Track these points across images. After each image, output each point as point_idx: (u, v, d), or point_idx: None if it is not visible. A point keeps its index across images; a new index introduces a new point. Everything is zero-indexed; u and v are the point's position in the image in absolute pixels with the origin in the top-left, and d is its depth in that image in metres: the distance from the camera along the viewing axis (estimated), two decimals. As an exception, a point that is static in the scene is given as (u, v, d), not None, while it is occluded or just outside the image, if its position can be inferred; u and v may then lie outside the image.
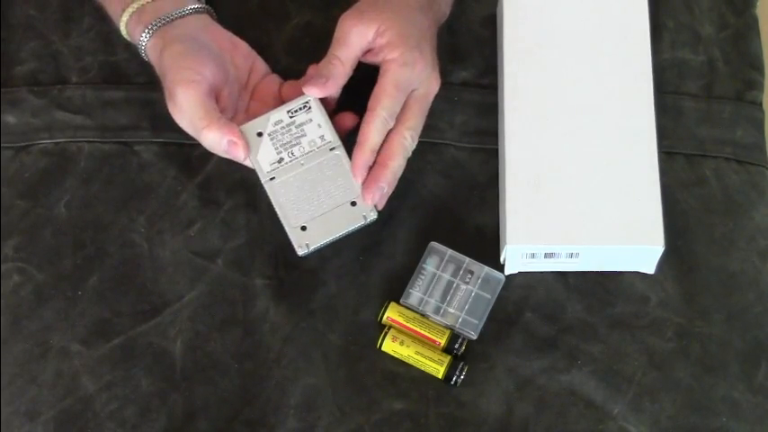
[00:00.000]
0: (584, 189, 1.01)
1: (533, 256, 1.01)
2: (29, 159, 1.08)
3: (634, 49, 1.06)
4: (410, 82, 1.01)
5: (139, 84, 1.11)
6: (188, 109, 0.99)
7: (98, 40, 1.12)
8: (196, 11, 1.04)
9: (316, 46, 1.09)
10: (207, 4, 1.07)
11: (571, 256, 1.01)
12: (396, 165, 1.00)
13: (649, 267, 1.04)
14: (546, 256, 1.01)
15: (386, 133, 1.00)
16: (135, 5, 1.03)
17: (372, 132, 0.99)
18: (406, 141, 1.00)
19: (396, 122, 1.00)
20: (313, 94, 1.01)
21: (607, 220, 1.00)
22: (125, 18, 1.04)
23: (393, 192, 1.01)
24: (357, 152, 0.99)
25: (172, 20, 1.02)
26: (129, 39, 1.06)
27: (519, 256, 1.01)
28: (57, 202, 1.07)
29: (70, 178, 1.08)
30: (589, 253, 1.01)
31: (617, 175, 1.02)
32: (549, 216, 1.01)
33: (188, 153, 1.08)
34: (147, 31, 1.02)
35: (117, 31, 1.08)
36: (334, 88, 1.01)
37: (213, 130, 0.98)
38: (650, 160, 1.02)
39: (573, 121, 1.04)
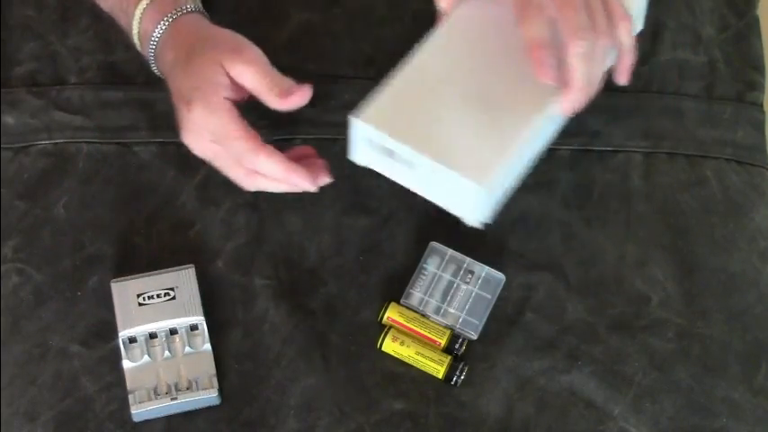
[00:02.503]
0: (455, 116, 0.98)
1: (371, 143, 0.98)
2: (28, 160, 1.08)
3: None
4: None
5: (138, 84, 1.11)
6: (253, 76, 0.98)
7: (96, 41, 1.12)
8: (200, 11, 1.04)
9: (315, 45, 1.09)
10: (207, 3, 1.07)
11: (409, 165, 0.97)
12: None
13: (473, 216, 0.99)
14: (384, 151, 0.98)
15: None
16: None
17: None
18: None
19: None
20: None
21: (451, 144, 0.97)
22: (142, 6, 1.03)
23: (393, 192, 1.01)
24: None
25: (188, 12, 1.02)
26: (136, 31, 1.05)
27: (361, 138, 0.98)
28: (56, 203, 1.06)
29: (69, 179, 1.07)
30: (423, 169, 0.97)
31: (489, 119, 0.98)
32: (406, 115, 0.98)
33: (187, 153, 1.08)
34: (165, 19, 1.02)
35: (115, 31, 1.08)
36: None
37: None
38: (529, 120, 0.98)
39: (485, 69, 1.01)
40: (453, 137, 0.97)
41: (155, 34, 1.01)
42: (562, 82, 0.95)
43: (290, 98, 0.97)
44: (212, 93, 0.97)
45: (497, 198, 1.00)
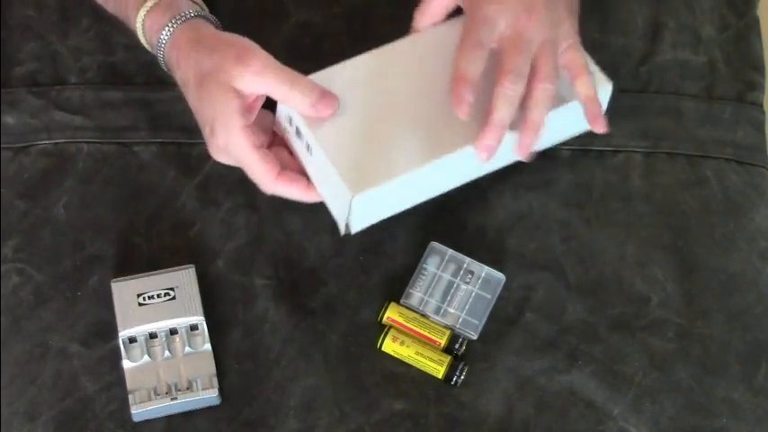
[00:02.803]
0: (373, 122, 0.99)
1: (289, 117, 1.00)
2: (28, 160, 1.08)
3: None
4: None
5: (138, 84, 1.11)
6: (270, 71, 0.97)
7: (97, 41, 1.12)
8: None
9: (314, 45, 1.09)
10: (206, 2, 1.07)
11: (308, 150, 0.99)
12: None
13: (342, 220, 1.00)
14: (295, 128, 0.99)
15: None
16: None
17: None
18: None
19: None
20: None
21: (350, 145, 0.98)
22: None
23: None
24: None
25: (187, 18, 1.01)
26: (143, 40, 1.05)
27: (283, 108, 1.00)
28: (56, 203, 1.06)
29: (69, 179, 1.07)
30: (317, 158, 0.98)
31: (404, 138, 0.99)
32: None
33: (187, 153, 1.08)
34: (167, 29, 1.01)
35: (115, 31, 1.08)
36: None
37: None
38: (440, 152, 0.99)
39: (426, 90, 1.01)
40: (358, 139, 0.98)
41: (160, 42, 1.01)
42: (477, 120, 0.97)
43: (322, 110, 0.98)
44: (229, 122, 0.96)
45: (370, 213, 1.01)
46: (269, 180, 0.98)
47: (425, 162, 0.98)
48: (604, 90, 1.03)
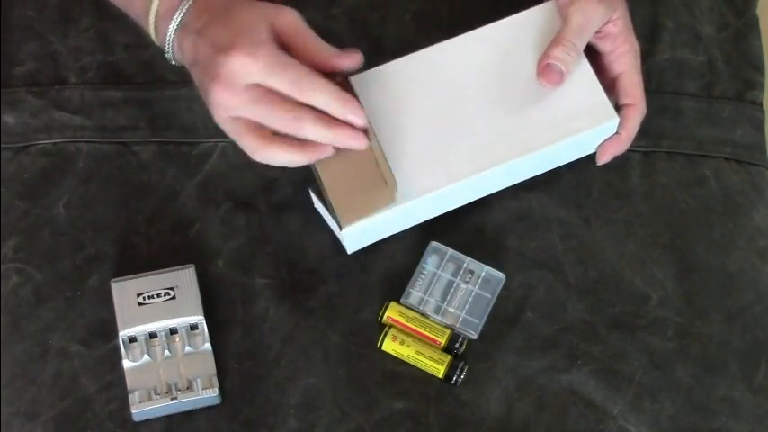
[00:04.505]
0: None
1: None
2: (28, 160, 1.08)
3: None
4: None
5: (138, 84, 1.11)
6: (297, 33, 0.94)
7: (96, 40, 1.12)
8: None
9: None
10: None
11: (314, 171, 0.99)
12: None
13: (342, 242, 1.02)
14: None
15: None
16: None
17: None
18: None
19: None
20: None
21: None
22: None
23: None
24: None
25: None
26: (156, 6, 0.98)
27: None
28: (56, 203, 1.06)
29: (69, 178, 1.07)
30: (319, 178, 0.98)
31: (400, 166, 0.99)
32: None
33: (187, 153, 1.08)
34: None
35: (115, 31, 1.07)
36: None
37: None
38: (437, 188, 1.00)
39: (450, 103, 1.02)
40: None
41: (181, 6, 0.96)
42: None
43: (344, 60, 0.95)
44: (256, 33, 0.92)
45: (364, 239, 1.02)
46: (306, 72, 0.92)
47: (417, 197, 0.99)
48: (611, 125, 1.04)
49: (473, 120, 1.01)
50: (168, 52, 0.98)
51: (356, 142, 0.95)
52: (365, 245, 1.03)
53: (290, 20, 0.94)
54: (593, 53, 1.03)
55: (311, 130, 0.93)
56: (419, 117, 1.01)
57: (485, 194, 1.05)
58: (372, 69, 1.01)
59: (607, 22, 1.01)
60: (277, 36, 0.93)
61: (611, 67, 1.04)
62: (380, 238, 1.03)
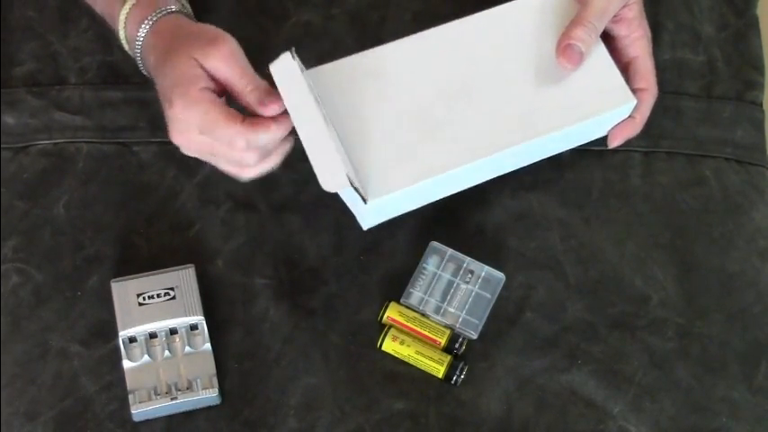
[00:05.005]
0: (400, 120, 1.00)
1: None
2: (27, 160, 1.08)
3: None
4: None
5: (138, 84, 1.11)
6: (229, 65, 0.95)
7: (96, 41, 1.12)
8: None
9: (314, 45, 1.09)
10: (206, 3, 1.07)
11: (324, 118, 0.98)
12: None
13: (361, 219, 1.01)
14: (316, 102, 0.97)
15: None
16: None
17: None
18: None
19: None
20: None
21: (370, 145, 0.98)
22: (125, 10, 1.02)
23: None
24: None
25: (168, 13, 1.00)
26: (123, 36, 1.03)
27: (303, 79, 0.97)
28: (55, 203, 1.06)
29: (69, 179, 1.07)
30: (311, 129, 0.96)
31: (426, 140, 0.99)
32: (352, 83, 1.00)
33: (187, 153, 1.08)
34: (147, 21, 0.99)
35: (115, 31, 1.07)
36: None
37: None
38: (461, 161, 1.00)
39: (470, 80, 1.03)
40: (377, 140, 0.98)
41: (138, 36, 0.99)
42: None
43: (269, 107, 0.94)
44: (189, 85, 0.93)
45: (387, 213, 1.01)
46: (236, 131, 0.93)
47: (443, 171, 0.99)
48: (627, 108, 1.04)
49: (490, 99, 1.01)
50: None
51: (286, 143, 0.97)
52: (382, 220, 1.02)
53: (223, 55, 0.94)
54: (606, 38, 1.04)
55: (254, 171, 0.97)
56: (437, 94, 1.01)
57: (500, 173, 1.05)
58: (401, 39, 1.02)
59: (623, 6, 1.02)
60: (212, 75, 0.95)
61: (626, 51, 1.05)
62: (399, 213, 1.03)
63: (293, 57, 0.94)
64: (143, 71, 1.03)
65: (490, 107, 1.01)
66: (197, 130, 0.94)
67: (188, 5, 1.04)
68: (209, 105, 0.93)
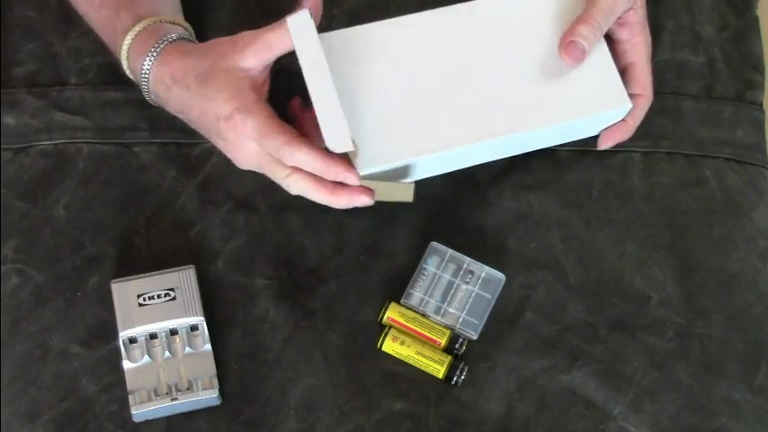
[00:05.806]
0: (410, 92, 1.01)
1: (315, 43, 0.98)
2: (28, 160, 1.08)
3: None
4: None
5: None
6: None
7: (96, 42, 1.12)
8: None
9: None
10: (206, 3, 1.07)
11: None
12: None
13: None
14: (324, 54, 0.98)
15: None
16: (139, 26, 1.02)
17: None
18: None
19: None
20: None
21: (375, 113, 0.99)
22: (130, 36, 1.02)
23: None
24: None
25: (170, 42, 1.01)
26: (126, 66, 1.04)
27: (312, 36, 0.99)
28: (56, 204, 1.06)
29: (69, 179, 1.07)
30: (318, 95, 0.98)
31: (432, 114, 1.00)
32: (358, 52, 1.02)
33: (187, 153, 1.08)
34: (150, 54, 1.00)
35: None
36: None
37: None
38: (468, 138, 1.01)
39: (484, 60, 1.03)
40: (372, 113, 0.99)
41: (144, 69, 1.00)
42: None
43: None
44: (243, 96, 0.96)
45: (378, 177, 1.00)
46: (285, 141, 0.95)
47: (447, 145, 1.00)
48: (622, 111, 1.04)
49: (489, 85, 1.01)
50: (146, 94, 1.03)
51: (360, 202, 0.98)
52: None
53: (252, 65, 0.97)
54: (606, 40, 1.04)
55: (306, 185, 0.98)
56: (439, 73, 1.02)
57: (487, 160, 1.06)
58: (406, 16, 1.03)
59: (629, 9, 1.03)
60: (253, 82, 0.98)
61: (625, 55, 1.05)
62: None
63: (311, 16, 0.97)
64: (148, 98, 1.04)
65: (489, 93, 1.01)
66: (253, 140, 0.96)
67: (189, 27, 1.04)
68: (265, 115, 0.96)
